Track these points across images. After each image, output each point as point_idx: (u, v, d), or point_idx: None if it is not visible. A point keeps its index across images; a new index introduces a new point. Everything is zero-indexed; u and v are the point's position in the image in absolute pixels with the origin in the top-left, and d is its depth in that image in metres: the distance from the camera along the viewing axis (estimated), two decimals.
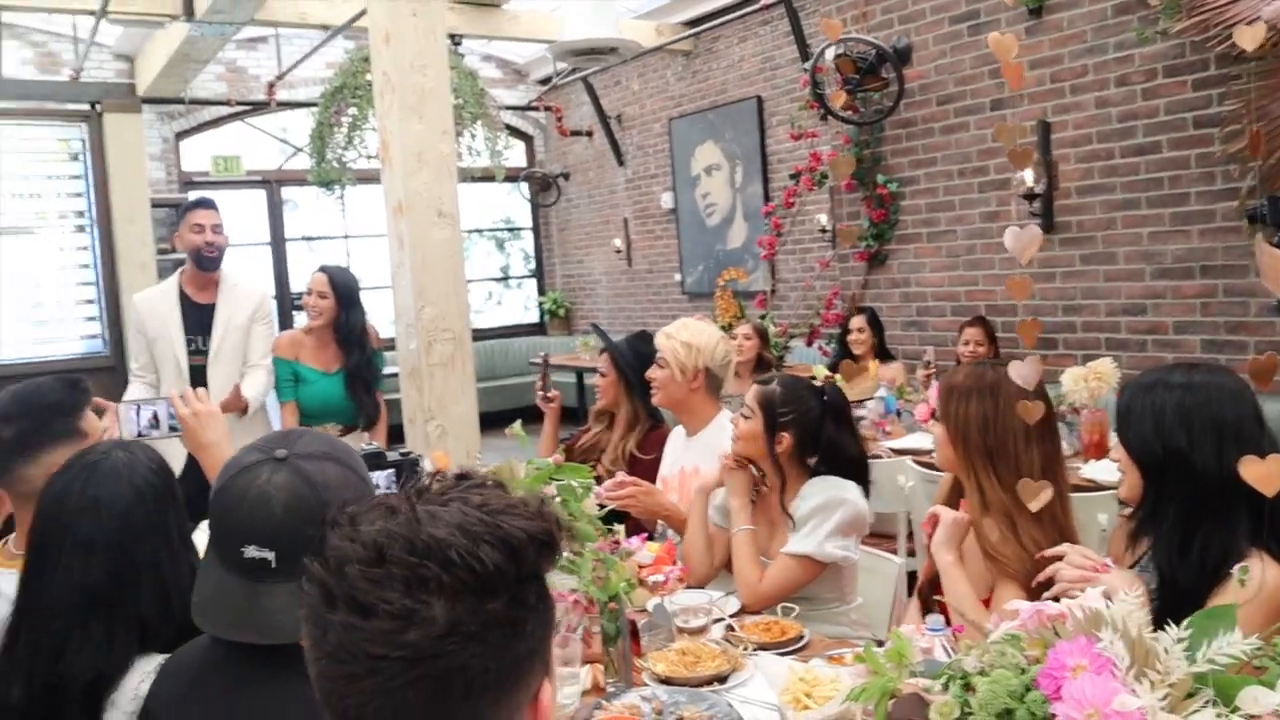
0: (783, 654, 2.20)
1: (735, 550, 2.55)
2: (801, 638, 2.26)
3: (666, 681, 2.06)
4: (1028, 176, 5.26)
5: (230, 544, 1.39)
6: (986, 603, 2.08)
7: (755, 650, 2.20)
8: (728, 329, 5.79)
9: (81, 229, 8.30)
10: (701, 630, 2.24)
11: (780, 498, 2.57)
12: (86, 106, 8.17)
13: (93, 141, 8.15)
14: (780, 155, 8.10)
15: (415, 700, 0.81)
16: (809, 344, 7.42)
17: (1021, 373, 1.81)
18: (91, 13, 6.40)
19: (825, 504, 2.47)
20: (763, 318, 7.65)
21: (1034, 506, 1.92)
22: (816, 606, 2.49)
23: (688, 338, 3.02)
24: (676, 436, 3.18)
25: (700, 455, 2.96)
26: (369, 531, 0.84)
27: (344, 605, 0.82)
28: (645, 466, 3.23)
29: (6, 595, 1.96)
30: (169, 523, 1.71)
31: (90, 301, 8.30)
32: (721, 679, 2.06)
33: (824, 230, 7.63)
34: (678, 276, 9.39)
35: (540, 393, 3.78)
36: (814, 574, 2.47)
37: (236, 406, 3.84)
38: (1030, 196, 5.31)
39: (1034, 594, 1.84)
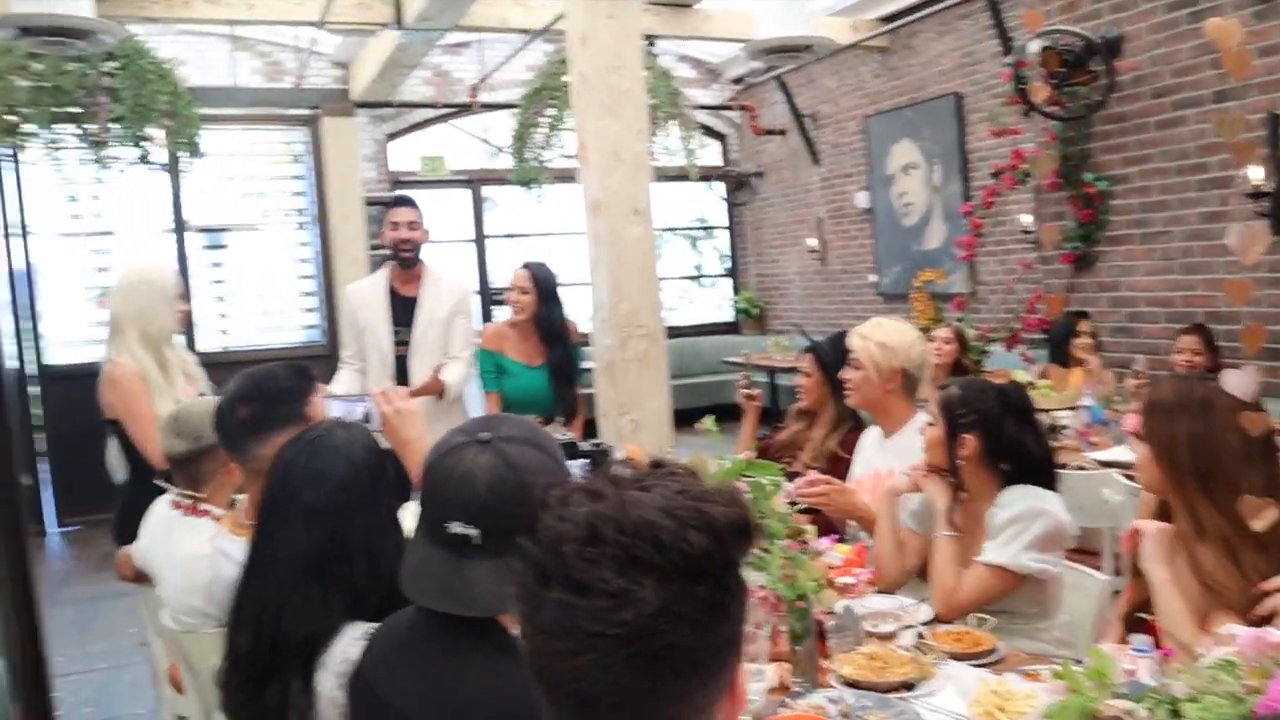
0: (975, 665, 2.13)
1: (934, 556, 2.49)
2: (994, 650, 2.19)
3: (853, 685, 2.04)
4: (1254, 173, 4.89)
5: (436, 519, 1.47)
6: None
7: (946, 659, 2.14)
8: (925, 331, 5.65)
9: (302, 226, 8.86)
10: (891, 636, 2.20)
11: (975, 505, 2.49)
12: (307, 111, 8.71)
13: (312, 144, 8.69)
14: (980, 153, 7.83)
15: (629, 677, 0.83)
16: (1009, 348, 7.14)
17: (1238, 383, 1.69)
18: (312, 24, 6.83)
19: (1023, 514, 2.38)
20: (960, 320, 7.42)
21: (1258, 526, 1.79)
22: (1015, 621, 2.38)
23: (883, 338, 2.97)
24: (871, 437, 3.12)
25: (897, 457, 2.89)
26: (580, 512, 0.87)
27: (559, 583, 0.85)
28: (845, 466, 3.20)
29: (235, 559, 2.14)
30: (380, 498, 1.84)
31: (310, 294, 8.86)
32: (910, 686, 2.02)
33: (1026, 231, 7.32)
34: (873, 277, 9.22)
35: (744, 390, 3.78)
36: (1011, 586, 2.38)
37: (435, 390, 3.98)
38: (1257, 195, 4.94)
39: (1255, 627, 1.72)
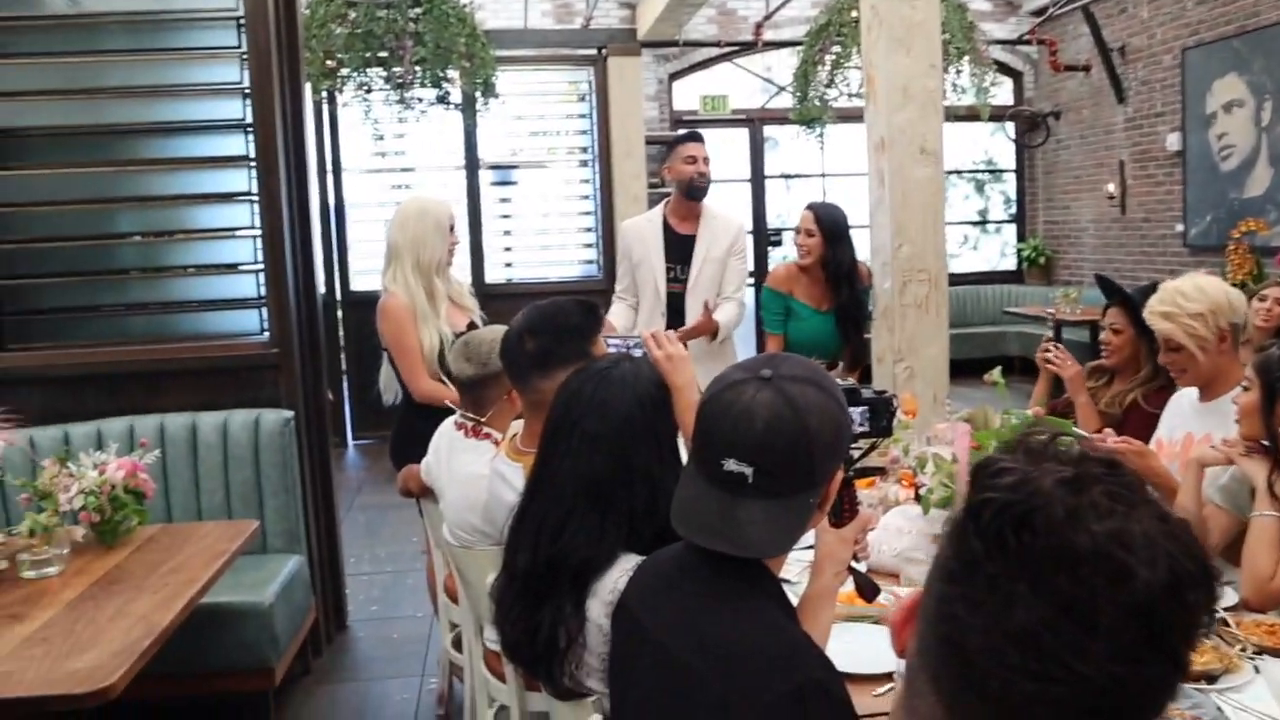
0: None
1: (1250, 538, 2.23)
2: None
3: None
4: None
5: (711, 456, 1.44)
6: None
7: (1255, 653, 1.93)
8: (1241, 287, 5.11)
9: (584, 163, 9.10)
10: None
11: None
12: (593, 51, 8.90)
13: (597, 83, 8.89)
14: None
15: (1071, 713, 0.71)
16: None
17: None
18: None
19: None
20: None
21: None
22: None
23: (1194, 309, 2.60)
24: (1187, 398, 2.81)
25: (1217, 423, 2.59)
26: (1104, 530, 0.71)
27: (1047, 598, 0.70)
28: (1142, 419, 2.93)
29: (514, 485, 2.22)
30: (661, 431, 1.85)
31: (589, 230, 9.11)
32: (1210, 678, 1.83)
33: None
34: (1179, 227, 8.44)
35: (1044, 353, 3.43)
36: None
37: (707, 329, 3.97)
38: None
39: None
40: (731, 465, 1.41)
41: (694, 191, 4.13)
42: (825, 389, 1.46)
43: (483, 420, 2.70)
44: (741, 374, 1.47)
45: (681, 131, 5.34)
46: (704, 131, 4.51)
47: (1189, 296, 2.63)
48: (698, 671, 1.34)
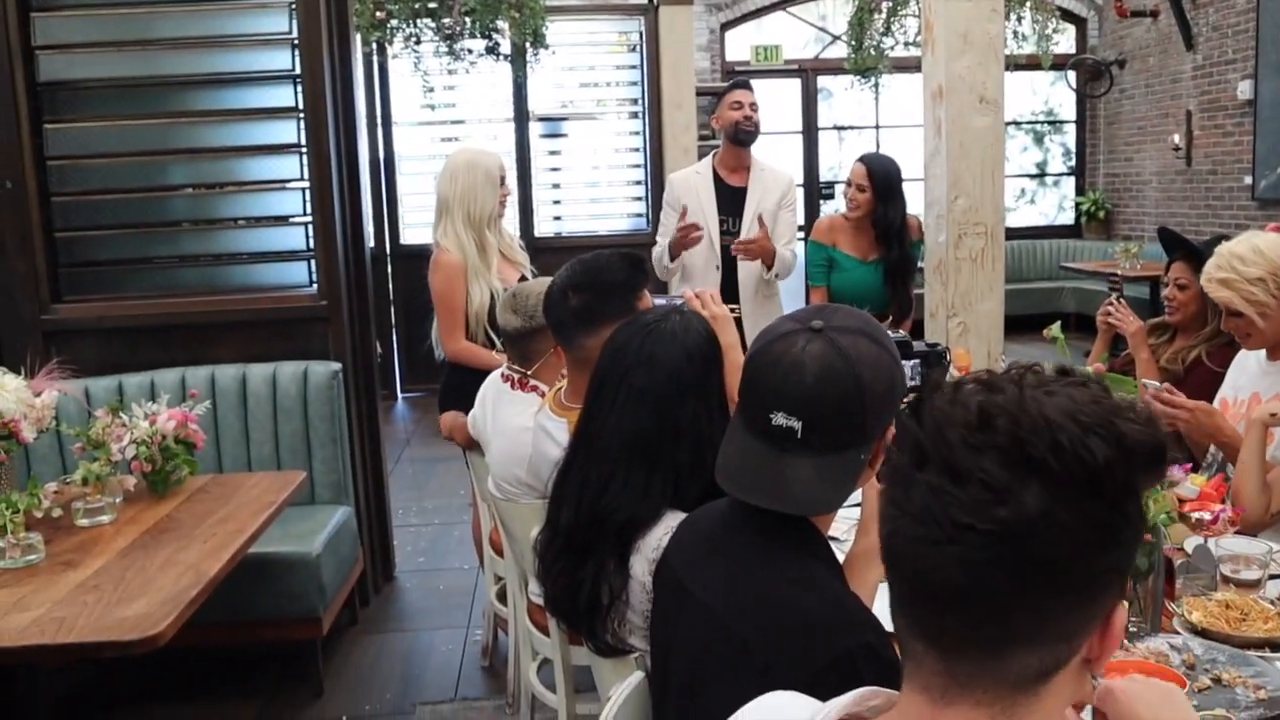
0: None
1: None
2: None
3: (1203, 634, 1.81)
4: None
5: (759, 409, 1.40)
6: None
7: None
8: None
9: (635, 115, 8.99)
10: (1254, 585, 1.93)
11: None
12: (644, 1, 8.75)
13: (648, 33, 8.75)
14: None
15: (990, 578, 0.77)
16: None
17: None
18: None
19: None
20: None
21: None
22: None
23: (1253, 273, 2.47)
24: (1251, 357, 2.71)
25: None
26: (974, 400, 0.80)
27: (936, 467, 0.79)
28: (1205, 377, 2.84)
29: (558, 440, 2.19)
30: (711, 386, 1.80)
31: (638, 182, 9.02)
32: (1275, 646, 1.77)
33: None
34: (1248, 180, 8.17)
35: (1105, 312, 3.31)
36: None
37: (766, 247, 3.92)
38: None
39: None
40: (780, 419, 1.37)
41: (741, 136, 4.06)
42: (879, 341, 1.41)
43: (529, 373, 2.68)
44: (791, 325, 1.42)
45: (735, 79, 5.25)
46: (756, 82, 4.43)
47: (1246, 260, 2.50)
48: (740, 634, 1.31)
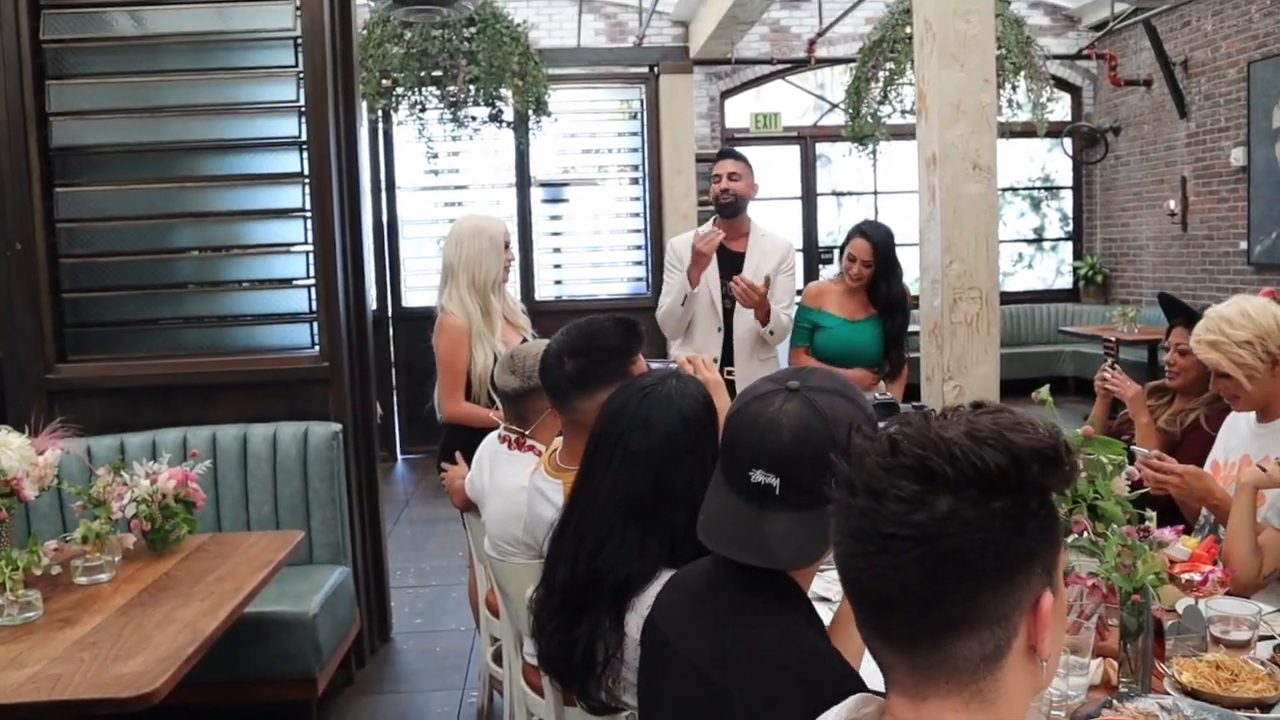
0: None
1: None
2: None
3: (1193, 694, 1.81)
4: None
5: (738, 467, 1.43)
6: None
7: None
8: None
9: (635, 181, 9.12)
10: (1243, 646, 1.95)
11: None
12: (645, 69, 8.93)
13: (649, 101, 8.92)
14: None
15: (917, 577, 0.89)
16: None
17: None
18: None
19: None
20: None
21: None
22: None
23: (1241, 336, 2.51)
24: (1242, 419, 2.73)
25: (1274, 444, 2.52)
26: (887, 432, 0.96)
27: (863, 491, 0.93)
28: (1201, 440, 2.86)
29: (552, 500, 2.22)
30: (705, 449, 1.81)
31: (638, 247, 9.13)
32: (1265, 706, 1.77)
33: None
34: (1243, 244, 8.25)
35: (1102, 379, 3.35)
36: None
37: (761, 301, 3.90)
38: None
39: None
40: (759, 476, 1.40)
41: (720, 207, 4.12)
42: (853, 400, 1.45)
43: (527, 433, 2.70)
44: (770, 385, 1.46)
45: (721, 148, 5.31)
46: (755, 149, 4.50)
47: (1234, 324, 2.54)
48: (722, 688, 1.33)
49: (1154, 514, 2.08)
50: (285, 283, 4.20)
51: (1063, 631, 1.03)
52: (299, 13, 3.91)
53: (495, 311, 3.62)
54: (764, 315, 3.97)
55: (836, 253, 4.19)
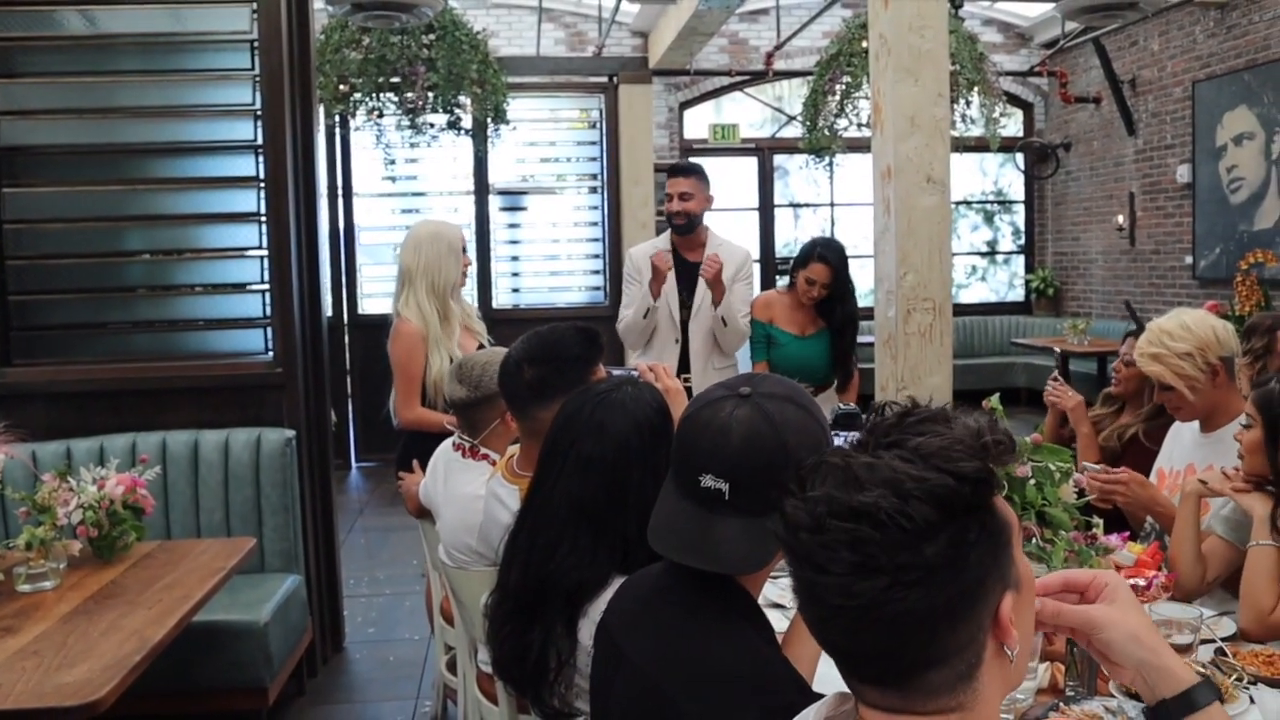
0: None
1: (1249, 568, 2.21)
2: None
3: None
4: None
5: (688, 472, 1.44)
6: None
7: (1251, 682, 1.91)
8: (1240, 321, 5.08)
9: (594, 190, 9.14)
10: (1186, 649, 1.98)
11: None
12: (605, 79, 8.95)
13: (608, 111, 8.94)
14: None
15: (874, 639, 0.91)
16: None
17: None
18: None
19: None
20: None
21: None
22: None
23: (1182, 348, 2.57)
24: (1185, 429, 2.79)
25: (1218, 454, 2.57)
26: (813, 498, 0.93)
27: (805, 564, 0.93)
28: (1141, 454, 2.91)
29: (509, 506, 2.21)
30: (659, 457, 1.81)
31: (596, 256, 9.14)
32: None
33: None
34: (1188, 259, 8.42)
35: (1052, 395, 3.41)
36: None
37: (715, 271, 3.96)
38: None
39: None
40: (708, 481, 1.41)
41: (674, 227, 4.15)
42: (804, 407, 1.46)
43: (477, 442, 2.70)
44: (721, 391, 1.47)
45: (674, 162, 5.32)
46: (713, 160, 4.53)
47: (1175, 336, 2.60)
48: (670, 693, 1.33)
49: (1100, 521, 2.12)
50: (239, 287, 4.16)
51: (1031, 614, 1.03)
52: (256, 16, 3.88)
53: (454, 316, 3.62)
54: (719, 295, 3.99)
55: (792, 267, 4.19)
